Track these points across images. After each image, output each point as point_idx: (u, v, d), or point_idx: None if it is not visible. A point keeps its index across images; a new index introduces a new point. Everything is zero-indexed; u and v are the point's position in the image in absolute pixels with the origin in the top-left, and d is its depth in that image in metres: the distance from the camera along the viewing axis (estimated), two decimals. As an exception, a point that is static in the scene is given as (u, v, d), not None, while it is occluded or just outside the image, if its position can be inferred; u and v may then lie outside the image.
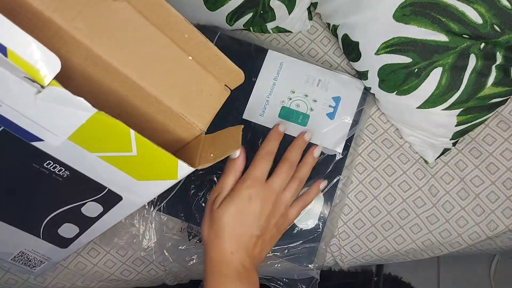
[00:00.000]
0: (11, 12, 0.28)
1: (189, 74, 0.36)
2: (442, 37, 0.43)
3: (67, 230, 0.39)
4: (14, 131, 0.28)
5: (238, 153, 0.41)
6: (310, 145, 0.49)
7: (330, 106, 0.53)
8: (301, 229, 0.50)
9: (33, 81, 0.23)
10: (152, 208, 0.52)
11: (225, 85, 0.38)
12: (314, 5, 0.56)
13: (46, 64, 0.23)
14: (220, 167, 0.47)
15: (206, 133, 0.38)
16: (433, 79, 0.46)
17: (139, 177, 0.32)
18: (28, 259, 0.43)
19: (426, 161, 0.54)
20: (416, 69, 0.46)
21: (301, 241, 0.50)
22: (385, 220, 0.54)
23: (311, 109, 0.53)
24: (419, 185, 0.54)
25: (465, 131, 0.51)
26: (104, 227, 0.39)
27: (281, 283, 0.52)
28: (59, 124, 0.27)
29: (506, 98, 0.47)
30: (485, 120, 0.50)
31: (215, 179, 0.52)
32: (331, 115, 0.52)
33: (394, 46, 0.46)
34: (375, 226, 0.54)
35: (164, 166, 0.30)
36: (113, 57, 0.32)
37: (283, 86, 0.53)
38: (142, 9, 0.32)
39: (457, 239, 0.54)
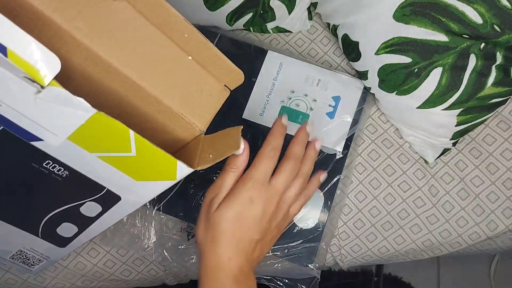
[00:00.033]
0: (11, 12, 0.28)
1: (189, 74, 0.35)
2: (442, 37, 0.43)
3: (66, 229, 0.39)
4: (13, 131, 0.28)
5: (242, 149, 0.37)
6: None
7: (330, 105, 0.53)
8: (301, 228, 0.50)
9: (33, 81, 0.23)
10: (152, 207, 0.52)
11: (225, 85, 0.38)
12: (314, 5, 0.56)
13: (46, 64, 0.23)
14: (220, 167, 0.47)
15: (206, 134, 0.38)
16: (433, 79, 0.46)
17: (138, 177, 0.32)
18: (27, 257, 0.43)
19: (426, 161, 0.54)
20: (416, 69, 0.46)
21: (301, 241, 0.50)
22: (385, 220, 0.54)
23: (311, 109, 0.53)
24: (419, 185, 0.54)
25: (465, 131, 0.51)
26: (103, 226, 0.39)
27: (281, 283, 0.52)
28: (59, 124, 0.27)
29: (506, 98, 0.47)
30: (485, 120, 0.50)
31: (215, 178, 0.52)
32: (331, 115, 0.52)
33: (394, 46, 0.46)
34: (375, 226, 0.54)
35: (163, 167, 0.30)
36: (113, 57, 0.32)
37: (282, 86, 0.53)
38: (142, 9, 0.32)
39: (457, 239, 0.54)
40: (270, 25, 0.57)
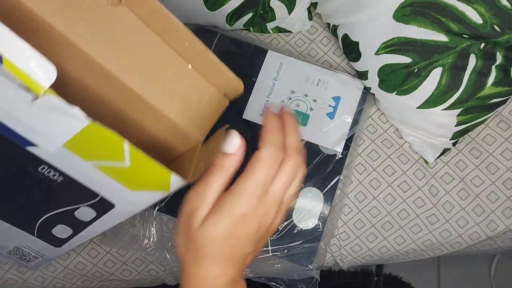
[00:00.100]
0: (10, 17, 0.28)
1: (189, 83, 0.35)
2: (442, 37, 0.43)
3: (61, 231, 0.39)
4: (9, 135, 0.28)
5: (235, 146, 0.30)
6: (309, 145, 0.49)
7: (330, 105, 0.53)
8: (301, 229, 0.50)
9: (28, 89, 0.23)
10: (152, 208, 0.53)
11: (225, 94, 0.38)
12: (314, 5, 0.56)
13: (42, 72, 0.23)
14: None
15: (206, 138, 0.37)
16: (433, 79, 0.46)
17: (132, 186, 0.32)
18: (23, 253, 0.44)
19: (426, 161, 0.54)
20: (416, 69, 0.46)
21: (301, 241, 0.50)
22: (385, 220, 0.54)
23: (311, 109, 0.53)
24: (419, 185, 0.54)
25: (465, 131, 0.51)
26: (97, 231, 0.39)
27: (281, 283, 0.52)
28: (54, 132, 0.27)
29: (506, 98, 0.47)
30: (485, 120, 0.50)
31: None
32: (331, 115, 0.52)
33: (394, 46, 0.46)
34: (375, 227, 0.54)
35: (156, 178, 0.30)
36: (112, 64, 0.31)
37: (283, 86, 0.53)
38: (143, 16, 0.32)
39: (457, 239, 0.54)
40: (270, 25, 0.57)
